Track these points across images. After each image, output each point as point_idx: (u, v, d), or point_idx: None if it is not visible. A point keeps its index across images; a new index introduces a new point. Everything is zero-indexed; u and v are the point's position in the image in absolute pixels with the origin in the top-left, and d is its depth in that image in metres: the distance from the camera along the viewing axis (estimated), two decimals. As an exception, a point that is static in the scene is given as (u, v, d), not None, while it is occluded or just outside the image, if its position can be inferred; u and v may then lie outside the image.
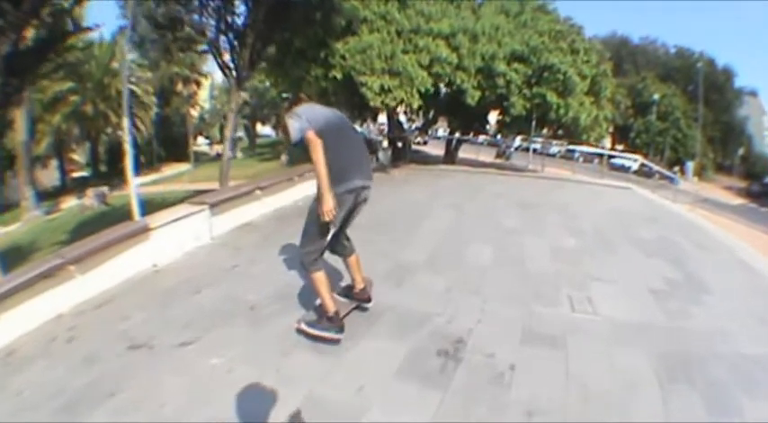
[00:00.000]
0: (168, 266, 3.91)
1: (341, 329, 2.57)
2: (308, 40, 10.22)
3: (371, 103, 9.34)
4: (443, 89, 11.72)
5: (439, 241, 4.78)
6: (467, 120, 14.12)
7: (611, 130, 25.32)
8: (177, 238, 4.12)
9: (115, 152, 30.10)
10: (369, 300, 2.94)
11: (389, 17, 10.43)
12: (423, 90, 9.64)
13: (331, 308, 2.57)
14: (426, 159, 15.03)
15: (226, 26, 9.62)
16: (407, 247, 4.53)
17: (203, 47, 10.58)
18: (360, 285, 2.88)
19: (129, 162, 8.93)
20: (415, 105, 9.94)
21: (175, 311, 3.07)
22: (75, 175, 30.39)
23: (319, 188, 2.38)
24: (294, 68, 10.69)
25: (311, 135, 2.34)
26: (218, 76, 28.39)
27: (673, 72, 40.14)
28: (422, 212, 6.10)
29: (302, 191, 6.68)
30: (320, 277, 2.57)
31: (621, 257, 4.76)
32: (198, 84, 32.27)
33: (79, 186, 25.52)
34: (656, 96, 35.43)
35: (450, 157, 14.47)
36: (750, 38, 59.13)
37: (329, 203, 2.34)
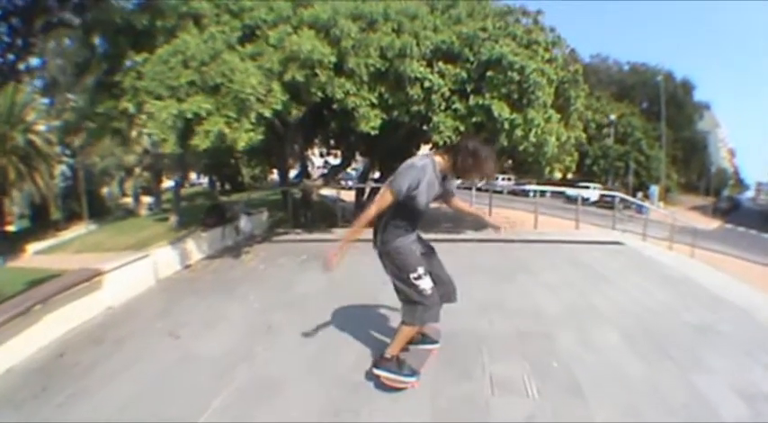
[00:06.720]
0: None
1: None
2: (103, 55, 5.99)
3: (162, 150, 4.96)
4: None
5: None
6: (388, 157, 9.89)
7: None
8: None
9: (38, 206, 24.47)
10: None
11: (237, 7, 6.33)
12: (269, 113, 5.35)
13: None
14: (343, 215, 10.21)
15: None
16: None
17: None
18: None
19: None
20: (240, 145, 5.19)
21: None
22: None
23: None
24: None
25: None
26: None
27: (628, 90, 38.49)
28: None
29: (51, 331, 3.49)
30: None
31: None
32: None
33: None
34: (612, 116, 32.80)
35: (361, 214, 9.88)
36: (698, 49, 59.35)
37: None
